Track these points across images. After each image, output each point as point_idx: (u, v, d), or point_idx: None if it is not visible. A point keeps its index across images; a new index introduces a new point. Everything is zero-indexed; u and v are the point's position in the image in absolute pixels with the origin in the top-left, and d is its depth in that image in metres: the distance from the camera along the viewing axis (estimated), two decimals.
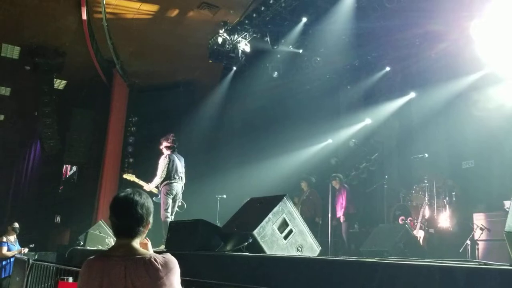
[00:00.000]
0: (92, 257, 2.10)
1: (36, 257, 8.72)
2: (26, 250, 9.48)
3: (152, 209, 2.16)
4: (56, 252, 10.40)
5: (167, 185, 7.77)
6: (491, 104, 8.61)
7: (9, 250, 9.21)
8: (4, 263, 9.09)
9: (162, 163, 7.82)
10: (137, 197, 2.10)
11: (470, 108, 9.10)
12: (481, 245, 6.98)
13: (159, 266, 1.95)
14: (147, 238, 2.19)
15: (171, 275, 1.96)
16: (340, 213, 9.54)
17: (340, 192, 9.71)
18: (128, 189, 2.16)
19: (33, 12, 11.03)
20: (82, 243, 8.63)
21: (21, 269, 7.09)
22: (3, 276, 9.06)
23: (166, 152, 7.95)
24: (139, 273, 1.94)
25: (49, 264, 6.20)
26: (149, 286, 1.92)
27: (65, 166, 17.54)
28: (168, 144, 7.99)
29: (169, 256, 2.02)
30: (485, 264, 3.02)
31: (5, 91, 15.55)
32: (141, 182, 7.90)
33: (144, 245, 2.15)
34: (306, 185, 10.32)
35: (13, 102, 15.94)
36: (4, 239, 9.27)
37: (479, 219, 7.12)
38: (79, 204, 15.29)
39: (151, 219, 2.15)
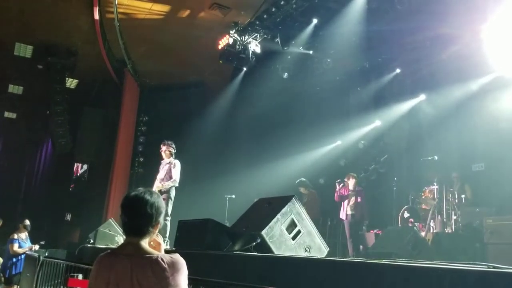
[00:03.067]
0: (102, 253, 2.12)
1: (46, 254, 8.81)
2: (37, 247, 9.57)
3: (163, 209, 2.14)
4: (66, 250, 10.49)
5: (172, 190, 7.87)
6: (502, 107, 8.56)
7: (20, 247, 9.30)
8: (15, 259, 9.19)
9: (178, 168, 7.94)
10: (148, 197, 2.09)
11: (480, 111, 9.04)
12: (491, 248, 6.93)
13: (166, 266, 1.94)
14: (158, 235, 2.20)
15: (177, 276, 1.95)
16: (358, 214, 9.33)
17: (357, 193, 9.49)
18: (140, 188, 2.15)
19: (46, 11, 11.16)
20: (92, 241, 8.71)
21: (32, 266, 7.18)
22: (14, 272, 9.17)
23: (170, 157, 8.04)
24: (145, 272, 1.94)
25: (60, 261, 6.26)
26: (155, 285, 1.92)
27: (76, 164, 17.69)
28: (173, 151, 8.08)
29: (177, 256, 2.01)
30: (494, 267, 3.01)
31: (17, 89, 15.74)
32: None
33: (157, 245, 2.15)
34: (304, 189, 10.22)
35: (25, 101, 16.12)
36: (16, 236, 9.37)
37: (489, 222, 7.08)
38: (89, 202, 15.41)
39: (161, 219, 2.13)
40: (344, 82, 12.32)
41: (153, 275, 1.93)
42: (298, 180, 10.17)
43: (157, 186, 7.80)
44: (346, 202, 9.28)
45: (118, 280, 1.97)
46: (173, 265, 1.97)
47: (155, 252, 2.03)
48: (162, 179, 7.90)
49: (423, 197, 9.01)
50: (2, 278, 9.51)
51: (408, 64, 10.82)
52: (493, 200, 8.03)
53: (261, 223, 4.98)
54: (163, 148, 8.11)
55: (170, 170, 7.94)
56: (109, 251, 2.13)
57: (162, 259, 1.96)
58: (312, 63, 11.46)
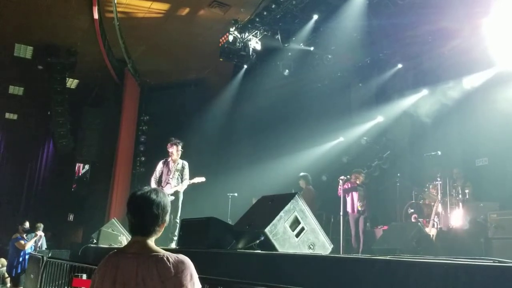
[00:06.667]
0: (111, 252, 2.12)
1: (50, 254, 8.82)
2: (41, 233, 9.69)
3: (168, 207, 2.14)
4: (70, 250, 10.52)
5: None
6: (504, 101, 8.51)
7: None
8: (21, 259, 9.29)
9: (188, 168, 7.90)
10: (153, 196, 2.08)
11: (483, 105, 9.00)
12: (495, 243, 6.90)
13: (170, 265, 1.94)
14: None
15: (182, 275, 1.94)
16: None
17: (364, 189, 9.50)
18: (146, 187, 2.15)
19: (45, 12, 11.13)
20: (95, 241, 8.71)
21: (35, 267, 7.18)
22: (19, 271, 9.26)
23: (179, 158, 7.95)
24: (150, 271, 1.94)
25: (63, 261, 6.26)
26: (159, 284, 1.92)
27: (77, 164, 17.72)
28: (181, 151, 7.96)
29: (182, 256, 2.00)
30: (499, 262, 2.98)
31: (18, 90, 15.74)
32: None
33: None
34: (303, 182, 10.19)
35: (26, 102, 16.14)
36: (18, 235, 9.49)
37: (493, 217, 7.04)
38: (91, 202, 15.43)
39: (167, 218, 2.13)
40: (345, 78, 12.29)
41: (157, 274, 1.93)
42: (302, 173, 10.13)
43: (180, 186, 7.73)
44: (356, 197, 9.26)
45: (124, 279, 1.97)
46: (177, 265, 1.96)
47: (160, 251, 2.02)
48: (177, 180, 7.82)
49: (427, 192, 8.98)
50: (8, 278, 9.57)
51: (409, 59, 10.77)
52: (497, 194, 7.99)
53: (265, 220, 4.96)
54: (176, 148, 7.87)
55: (183, 171, 7.89)
56: (117, 250, 2.14)
57: (167, 258, 1.96)
58: (313, 59, 11.41)
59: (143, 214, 2.07)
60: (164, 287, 1.92)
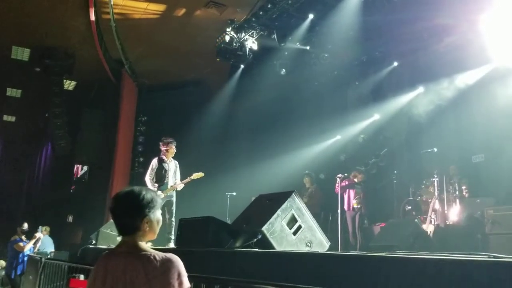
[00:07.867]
0: (104, 253, 2.14)
1: (49, 256, 8.84)
2: (40, 234, 9.70)
3: (149, 202, 2.07)
4: (69, 251, 10.53)
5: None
6: (500, 97, 8.54)
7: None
8: (20, 260, 9.30)
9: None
10: (127, 194, 2.08)
11: (479, 102, 9.03)
12: (492, 239, 6.93)
13: (157, 264, 1.93)
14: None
15: (169, 274, 1.94)
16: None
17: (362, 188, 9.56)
18: (126, 188, 2.14)
19: (42, 14, 11.13)
20: (94, 241, 8.72)
21: (34, 268, 7.19)
22: (19, 273, 9.27)
23: (172, 158, 7.98)
24: (137, 271, 1.94)
25: (62, 262, 6.27)
26: (146, 283, 1.92)
27: (76, 166, 17.69)
28: (174, 150, 7.98)
29: (170, 255, 1.99)
30: (495, 257, 3.01)
31: (16, 93, 15.72)
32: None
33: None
34: (308, 181, 10.21)
35: (24, 104, 16.11)
36: (17, 237, 9.51)
37: (490, 213, 7.08)
38: (90, 203, 15.41)
39: (151, 214, 2.07)
40: (342, 77, 12.31)
41: (143, 273, 1.93)
42: (307, 171, 10.18)
43: (179, 185, 7.79)
44: (352, 194, 9.31)
45: (113, 279, 1.99)
46: (164, 263, 1.95)
47: (149, 250, 2.02)
48: (173, 179, 7.87)
49: (424, 189, 9.01)
50: (8, 280, 9.59)
51: (405, 57, 10.80)
52: (494, 190, 8.03)
53: (262, 219, 4.98)
54: (171, 147, 7.89)
55: (176, 170, 7.93)
56: (107, 251, 2.15)
57: (154, 257, 1.96)
58: (310, 58, 11.44)
59: (119, 214, 2.08)
60: (151, 286, 1.92)
